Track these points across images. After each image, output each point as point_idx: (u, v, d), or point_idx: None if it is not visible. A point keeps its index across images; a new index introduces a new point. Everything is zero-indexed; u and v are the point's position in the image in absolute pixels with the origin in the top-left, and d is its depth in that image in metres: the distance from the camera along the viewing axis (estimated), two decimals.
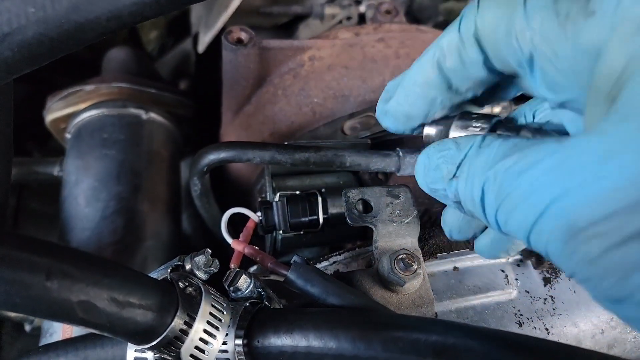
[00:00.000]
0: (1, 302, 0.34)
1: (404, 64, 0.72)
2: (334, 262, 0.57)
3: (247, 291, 0.44)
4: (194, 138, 0.97)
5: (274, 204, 0.58)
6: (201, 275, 0.43)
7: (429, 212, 0.71)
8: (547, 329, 0.52)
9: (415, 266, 0.49)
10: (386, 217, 0.52)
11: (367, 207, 0.54)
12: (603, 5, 0.25)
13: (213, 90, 0.86)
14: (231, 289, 0.44)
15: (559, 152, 0.25)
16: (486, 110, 0.47)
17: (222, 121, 0.82)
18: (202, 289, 0.41)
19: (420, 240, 0.53)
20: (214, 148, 0.62)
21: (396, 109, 0.37)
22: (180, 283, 0.40)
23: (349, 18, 0.98)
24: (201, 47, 0.91)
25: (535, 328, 0.52)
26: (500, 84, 0.36)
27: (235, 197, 0.84)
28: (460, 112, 0.37)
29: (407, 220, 0.52)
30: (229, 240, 0.53)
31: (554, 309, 0.53)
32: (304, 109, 0.73)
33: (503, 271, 0.55)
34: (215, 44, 0.81)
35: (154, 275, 0.43)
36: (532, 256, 0.56)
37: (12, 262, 0.34)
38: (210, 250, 0.44)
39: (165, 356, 0.40)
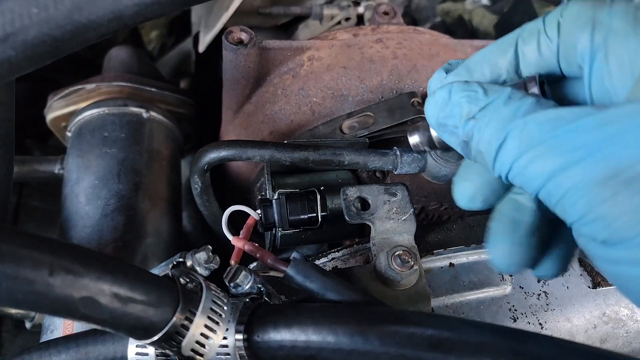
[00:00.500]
0: (4, 298, 0.35)
1: (402, 65, 0.72)
2: (333, 259, 0.58)
3: (247, 287, 0.44)
4: (194, 137, 0.98)
5: (274, 201, 0.58)
6: (202, 271, 0.44)
7: (425, 210, 0.71)
8: (540, 324, 0.53)
9: (411, 262, 0.49)
10: (383, 214, 0.53)
11: (365, 204, 0.55)
12: None
13: (213, 90, 0.87)
14: (231, 285, 0.45)
15: (598, 114, 0.28)
16: None
17: (222, 120, 0.83)
18: (203, 284, 0.41)
19: (416, 237, 0.53)
20: (215, 146, 0.62)
21: (455, 79, 0.38)
22: (181, 279, 0.41)
23: (347, 19, 0.98)
24: (201, 46, 0.91)
25: (529, 323, 0.53)
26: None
27: (235, 195, 0.84)
28: None
29: (404, 217, 0.53)
30: (230, 237, 0.53)
31: (547, 304, 0.54)
32: (303, 108, 0.73)
33: None
34: (216, 44, 0.82)
35: (155, 271, 0.43)
36: None
37: (15, 258, 0.34)
38: (211, 247, 0.45)
39: (166, 351, 0.40)
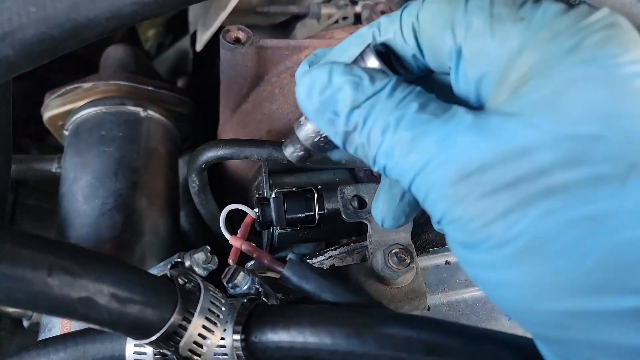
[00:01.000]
0: (3, 298, 0.35)
1: None
2: (330, 257, 0.58)
3: (245, 287, 0.45)
4: (191, 135, 0.97)
5: (271, 200, 0.58)
6: (200, 271, 0.44)
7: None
8: None
9: (408, 260, 0.50)
10: None
11: (362, 203, 0.55)
12: (531, 14, 0.29)
13: (211, 88, 0.87)
14: (229, 285, 0.45)
15: (468, 115, 0.28)
16: None
17: (219, 119, 0.83)
18: (201, 285, 0.41)
19: (413, 235, 0.54)
20: (212, 145, 0.62)
21: None
22: (179, 279, 0.41)
23: (345, 18, 0.98)
24: (199, 45, 0.91)
25: None
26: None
27: (232, 193, 0.84)
28: None
29: None
30: (227, 236, 0.53)
31: None
32: None
33: None
34: (213, 43, 0.81)
35: (154, 271, 0.43)
36: None
37: (14, 258, 0.34)
38: (209, 248, 0.45)
39: (164, 351, 0.40)
